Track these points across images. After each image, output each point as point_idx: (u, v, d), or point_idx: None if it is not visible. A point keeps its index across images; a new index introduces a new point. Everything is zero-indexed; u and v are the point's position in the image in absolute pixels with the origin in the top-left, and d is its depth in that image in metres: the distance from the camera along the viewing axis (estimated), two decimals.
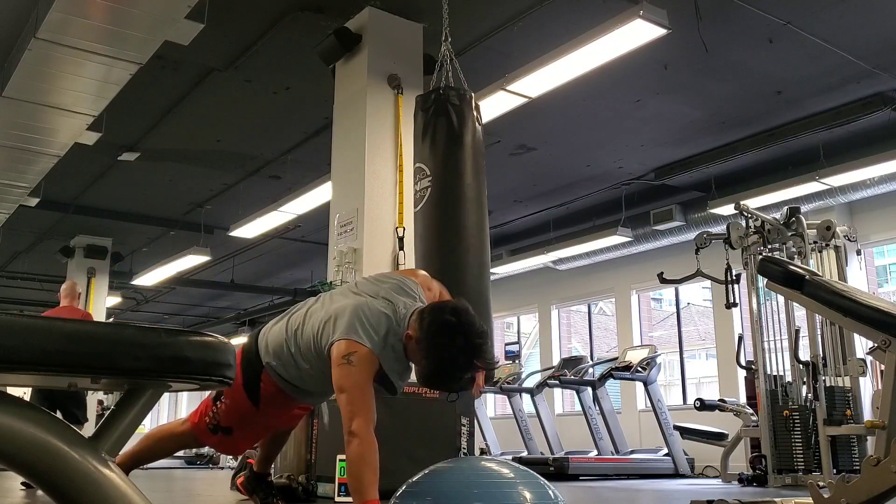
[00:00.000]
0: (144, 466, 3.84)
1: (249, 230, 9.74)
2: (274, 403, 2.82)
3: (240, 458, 4.47)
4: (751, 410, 7.04)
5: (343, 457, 2.82)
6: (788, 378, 6.47)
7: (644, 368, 8.40)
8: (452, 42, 4.77)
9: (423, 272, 3.02)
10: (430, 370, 2.47)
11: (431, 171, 4.22)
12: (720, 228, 8.07)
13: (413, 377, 2.69)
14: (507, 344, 13.35)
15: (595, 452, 8.79)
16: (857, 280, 6.96)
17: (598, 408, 8.72)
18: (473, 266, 4.07)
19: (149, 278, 12.45)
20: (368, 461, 2.35)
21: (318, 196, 8.09)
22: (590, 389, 8.85)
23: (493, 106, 6.14)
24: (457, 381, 2.49)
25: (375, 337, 2.49)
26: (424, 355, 2.45)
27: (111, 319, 14.81)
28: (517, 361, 11.44)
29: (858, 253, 7.46)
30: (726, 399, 7.58)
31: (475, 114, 4.37)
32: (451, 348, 2.40)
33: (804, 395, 6.25)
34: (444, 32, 4.62)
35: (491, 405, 12.67)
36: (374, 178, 5.31)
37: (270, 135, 7.92)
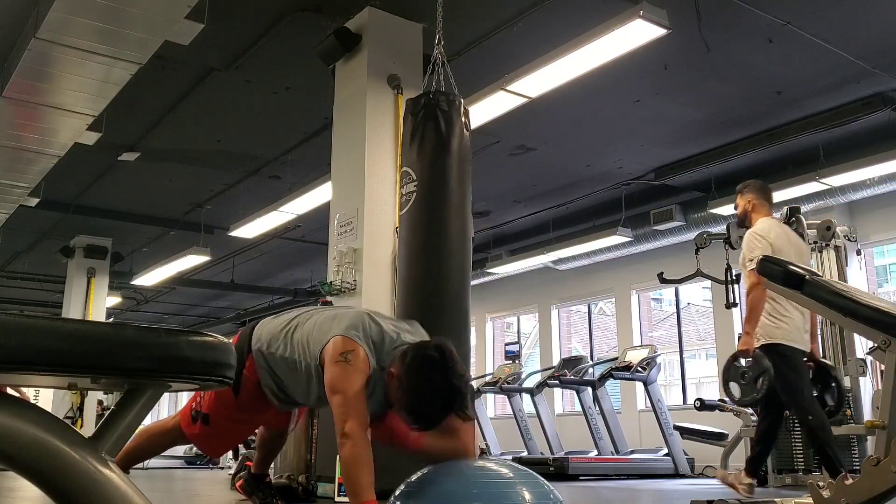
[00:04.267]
0: (144, 466, 3.85)
1: (249, 230, 9.74)
2: (252, 397, 2.80)
3: (239, 459, 4.48)
4: (751, 410, 7.03)
5: None
6: None
7: (644, 368, 8.40)
8: (452, 42, 4.78)
9: None
10: (407, 406, 2.43)
11: (417, 176, 4.24)
12: (720, 228, 8.06)
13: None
14: (507, 344, 13.35)
15: (595, 452, 8.79)
16: (857, 280, 6.95)
17: (598, 408, 8.72)
18: (455, 271, 4.08)
19: (149, 278, 12.46)
20: (363, 462, 2.34)
21: (318, 196, 8.09)
22: (590, 389, 8.85)
23: (493, 106, 6.14)
24: (434, 420, 2.43)
25: (372, 349, 2.48)
26: (403, 390, 2.41)
27: (111, 319, 14.82)
28: (517, 361, 11.44)
29: (858, 253, 7.45)
30: (726, 399, 7.56)
31: (463, 119, 4.39)
32: (429, 384, 2.36)
33: None
34: (438, 35, 4.63)
35: (491, 405, 12.67)
36: (374, 178, 5.31)
37: (270, 135, 7.92)
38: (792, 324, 4.17)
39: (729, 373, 4.25)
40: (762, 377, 4.05)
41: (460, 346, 3.58)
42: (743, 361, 4.17)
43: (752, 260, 4.14)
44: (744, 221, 4.53)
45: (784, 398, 4.15)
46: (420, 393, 2.37)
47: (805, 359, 4.28)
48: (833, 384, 4.36)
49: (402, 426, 2.67)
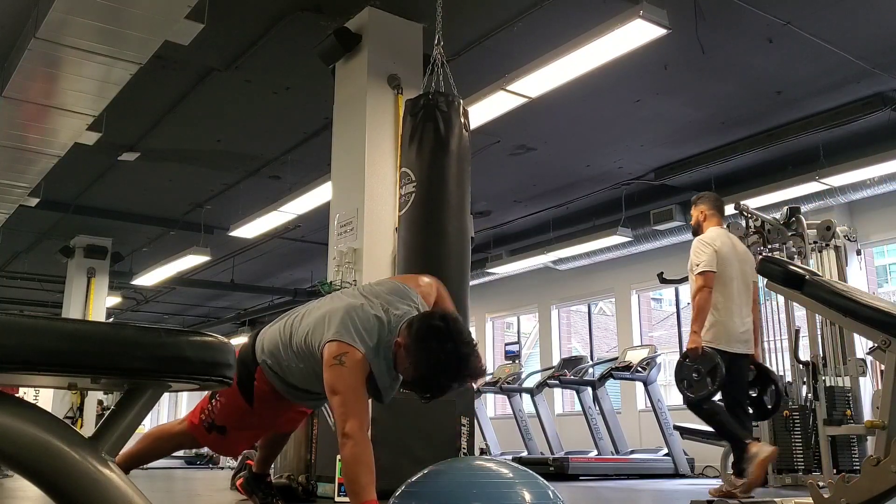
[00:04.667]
0: (144, 466, 3.84)
1: (249, 230, 9.74)
2: (268, 403, 2.81)
3: (239, 458, 4.48)
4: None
5: None
6: (788, 378, 6.47)
7: (644, 368, 8.40)
8: (452, 42, 4.78)
9: (429, 279, 2.94)
10: (416, 377, 2.45)
11: (416, 177, 4.24)
12: None
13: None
14: (507, 344, 13.34)
15: (595, 452, 8.79)
16: (857, 280, 6.95)
17: (598, 408, 8.72)
18: (454, 272, 4.09)
19: (149, 278, 12.45)
20: (364, 462, 2.34)
21: (318, 196, 8.09)
22: (590, 389, 8.85)
23: (493, 106, 6.14)
24: (444, 388, 2.46)
25: (368, 341, 2.48)
26: (412, 362, 2.43)
27: (111, 319, 14.82)
28: (517, 361, 11.44)
29: (858, 253, 7.44)
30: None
31: (462, 120, 4.38)
32: (438, 354, 2.37)
33: (804, 395, 6.25)
34: (437, 35, 4.63)
35: (491, 405, 12.66)
36: (374, 178, 5.31)
37: (270, 135, 7.91)
38: (729, 328, 4.39)
39: (682, 372, 4.42)
40: (713, 372, 4.24)
41: None
42: (690, 360, 4.36)
43: (698, 265, 4.40)
44: (696, 231, 4.77)
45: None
46: (430, 365, 2.40)
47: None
48: (772, 387, 4.57)
49: None
